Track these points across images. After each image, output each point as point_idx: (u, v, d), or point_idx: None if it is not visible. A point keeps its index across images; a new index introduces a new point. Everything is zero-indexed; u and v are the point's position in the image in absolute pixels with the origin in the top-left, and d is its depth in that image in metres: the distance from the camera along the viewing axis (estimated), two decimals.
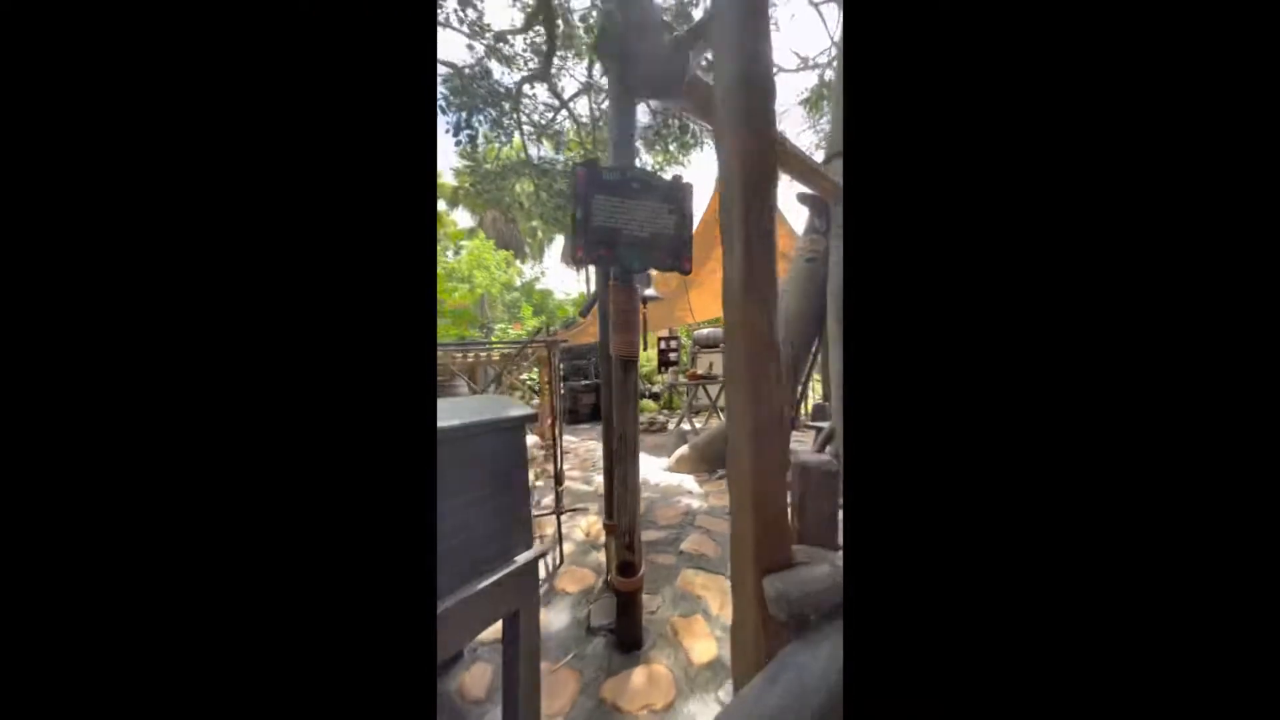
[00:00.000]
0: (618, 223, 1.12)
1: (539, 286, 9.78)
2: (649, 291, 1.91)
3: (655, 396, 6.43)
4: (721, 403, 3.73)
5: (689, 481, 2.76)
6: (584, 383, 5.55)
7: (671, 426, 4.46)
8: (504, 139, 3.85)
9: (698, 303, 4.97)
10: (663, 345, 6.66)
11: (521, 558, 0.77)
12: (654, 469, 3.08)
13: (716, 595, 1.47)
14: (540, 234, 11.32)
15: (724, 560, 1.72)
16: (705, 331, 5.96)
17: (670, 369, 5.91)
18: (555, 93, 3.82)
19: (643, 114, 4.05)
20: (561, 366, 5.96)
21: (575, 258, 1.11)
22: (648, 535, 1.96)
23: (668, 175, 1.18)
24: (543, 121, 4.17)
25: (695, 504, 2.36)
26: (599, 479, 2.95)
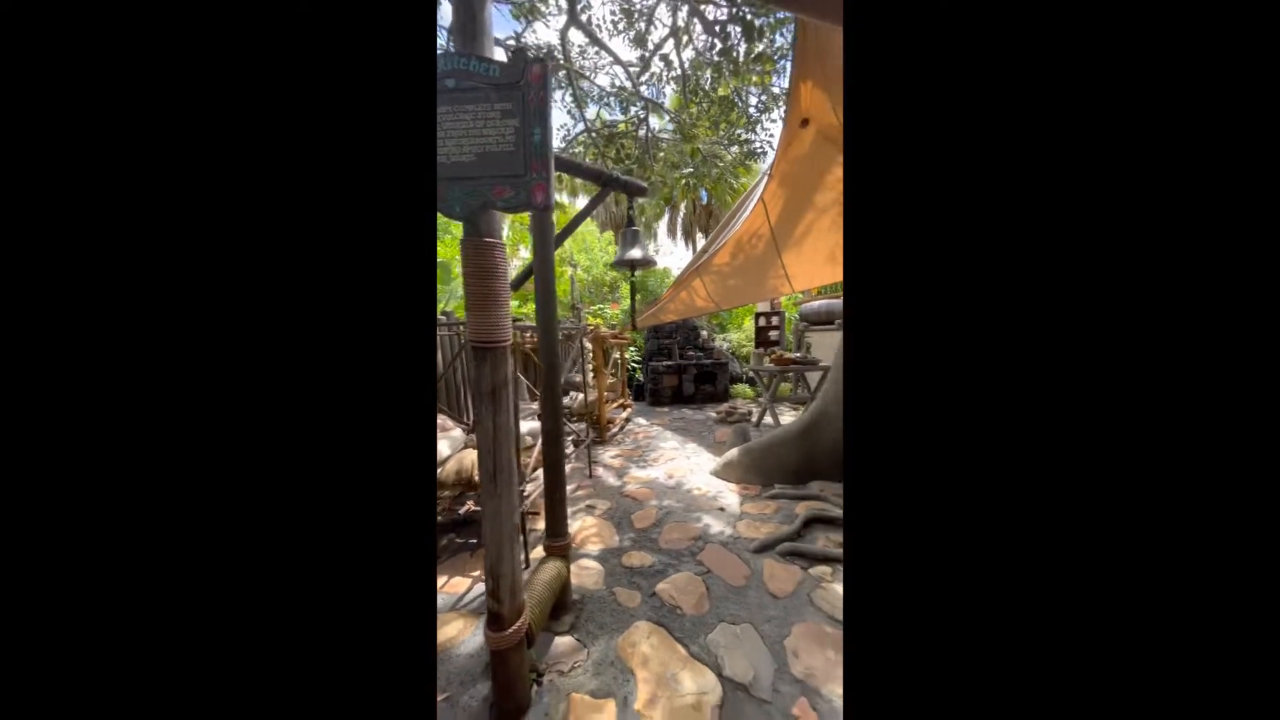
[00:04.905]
0: None
1: (657, 263, 9.69)
2: (635, 253, 1.43)
3: (753, 381, 5.60)
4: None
5: (729, 494, 2.21)
6: (666, 363, 5.24)
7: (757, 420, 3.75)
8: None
9: (796, 267, 3.97)
10: (761, 322, 5.72)
11: None
12: (700, 470, 2.61)
13: (653, 675, 1.05)
14: (648, 210, 11.13)
15: (701, 623, 1.24)
16: (817, 305, 4.80)
17: (770, 350, 5.02)
18: (589, 32, 3.31)
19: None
20: (645, 345, 5.77)
21: None
22: (634, 558, 1.60)
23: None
24: (585, 68, 3.70)
25: (718, 527, 1.85)
26: (634, 470, 2.66)
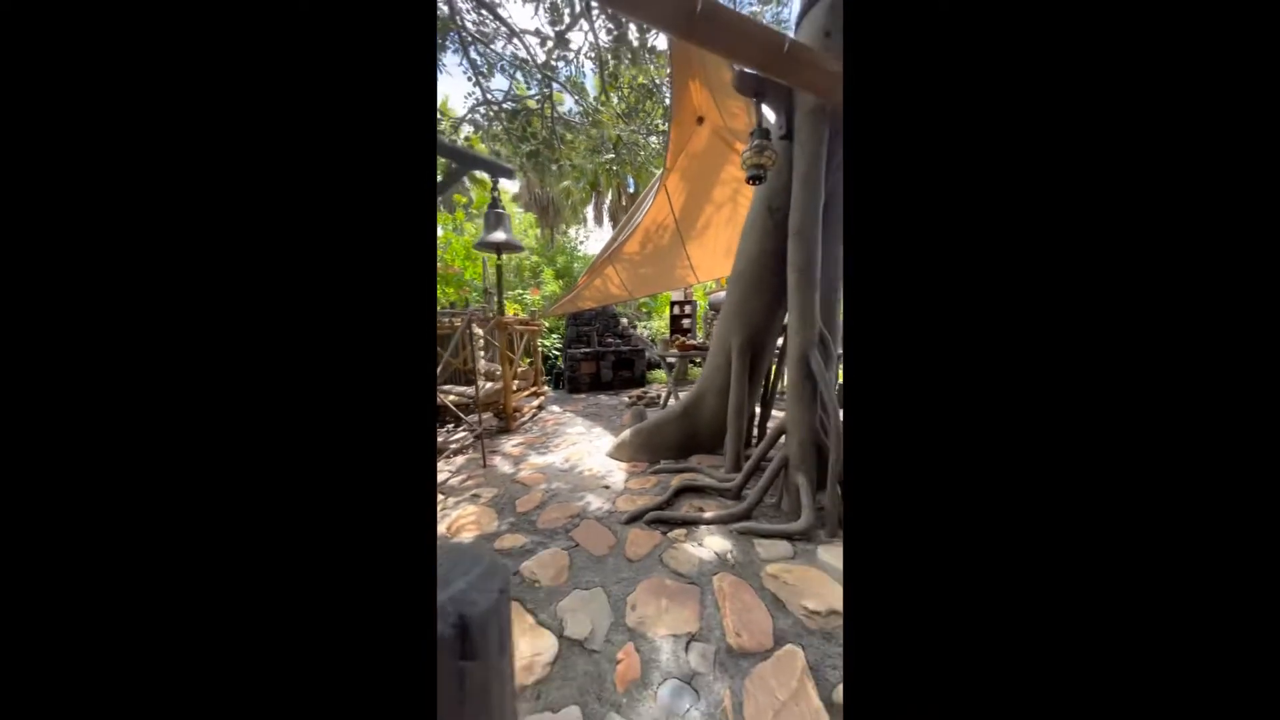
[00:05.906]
0: None
1: (585, 250, 9.44)
2: (498, 235, 1.41)
3: (672, 367, 5.89)
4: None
5: (618, 473, 2.33)
6: (584, 350, 5.24)
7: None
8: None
9: (699, 258, 4.22)
10: (676, 310, 5.99)
11: None
12: (598, 453, 2.70)
13: None
14: (575, 193, 10.85)
15: (556, 592, 1.31)
16: (723, 294, 5.15)
17: (675, 337, 5.29)
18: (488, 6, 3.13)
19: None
20: (566, 332, 5.72)
21: None
22: (508, 541, 1.62)
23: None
24: (482, 33, 3.49)
25: (598, 504, 1.94)
26: (533, 456, 2.67)
